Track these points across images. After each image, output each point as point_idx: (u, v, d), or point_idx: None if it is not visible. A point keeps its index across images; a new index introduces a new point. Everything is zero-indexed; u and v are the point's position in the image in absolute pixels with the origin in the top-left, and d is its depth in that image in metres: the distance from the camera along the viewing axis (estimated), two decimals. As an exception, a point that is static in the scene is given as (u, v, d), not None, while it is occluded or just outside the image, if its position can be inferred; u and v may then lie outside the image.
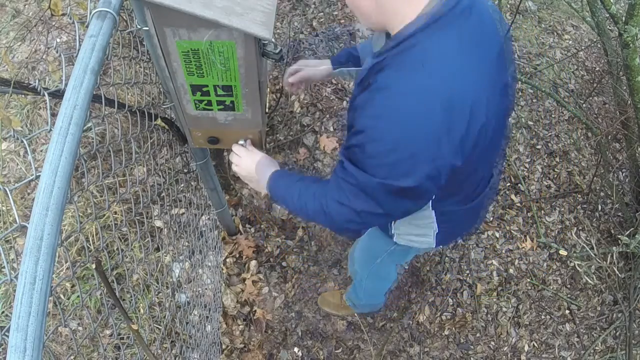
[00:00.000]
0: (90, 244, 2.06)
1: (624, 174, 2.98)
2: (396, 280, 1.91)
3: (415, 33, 0.85)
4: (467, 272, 2.54)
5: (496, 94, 0.94)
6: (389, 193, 0.91)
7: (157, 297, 2.07)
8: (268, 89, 2.28)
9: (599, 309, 2.58)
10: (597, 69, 3.39)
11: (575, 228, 2.77)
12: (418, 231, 1.30)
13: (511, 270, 2.58)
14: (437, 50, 0.84)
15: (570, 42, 3.53)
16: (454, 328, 2.40)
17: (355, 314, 2.33)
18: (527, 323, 2.48)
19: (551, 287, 2.58)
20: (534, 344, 2.44)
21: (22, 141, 0.77)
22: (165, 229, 2.21)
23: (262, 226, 2.47)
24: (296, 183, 1.14)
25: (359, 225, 1.04)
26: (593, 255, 2.28)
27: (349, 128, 0.97)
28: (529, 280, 2.57)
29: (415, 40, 0.85)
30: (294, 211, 1.17)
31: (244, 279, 2.34)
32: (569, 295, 2.57)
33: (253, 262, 2.38)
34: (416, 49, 0.85)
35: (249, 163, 1.29)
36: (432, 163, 0.85)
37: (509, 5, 3.52)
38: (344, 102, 2.80)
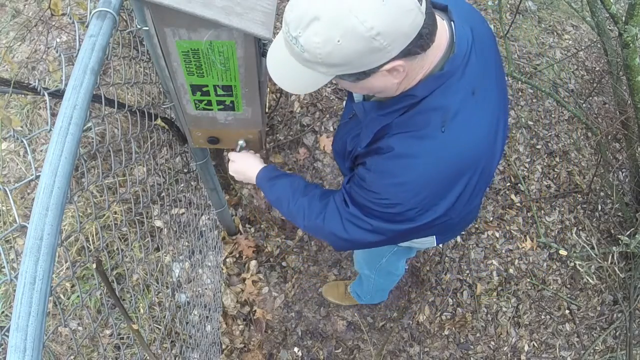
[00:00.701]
0: (90, 244, 2.05)
1: (624, 174, 2.98)
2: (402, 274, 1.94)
3: (431, 94, 0.85)
4: (467, 272, 2.53)
5: (500, 130, 0.97)
6: (405, 232, 0.97)
7: (157, 297, 2.07)
8: (268, 89, 2.28)
9: (599, 309, 2.57)
10: (597, 69, 3.39)
11: (575, 228, 2.77)
12: None
13: (511, 270, 2.58)
14: (454, 109, 0.86)
15: (570, 42, 3.53)
16: (454, 328, 2.40)
17: (356, 314, 2.33)
18: (527, 323, 2.47)
19: (551, 287, 2.58)
20: (534, 344, 2.44)
21: (22, 141, 0.77)
22: (165, 229, 2.21)
23: (262, 226, 2.47)
24: (283, 193, 1.17)
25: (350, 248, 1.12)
26: (593, 255, 2.28)
27: (353, 170, 1.03)
28: (529, 280, 2.57)
29: (432, 101, 0.86)
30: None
31: (244, 279, 2.34)
32: (569, 295, 2.57)
33: (253, 262, 2.38)
34: (434, 112, 0.86)
35: (239, 169, 1.34)
36: (447, 205, 0.94)
37: (508, 5, 3.52)
38: (344, 102, 2.79)
